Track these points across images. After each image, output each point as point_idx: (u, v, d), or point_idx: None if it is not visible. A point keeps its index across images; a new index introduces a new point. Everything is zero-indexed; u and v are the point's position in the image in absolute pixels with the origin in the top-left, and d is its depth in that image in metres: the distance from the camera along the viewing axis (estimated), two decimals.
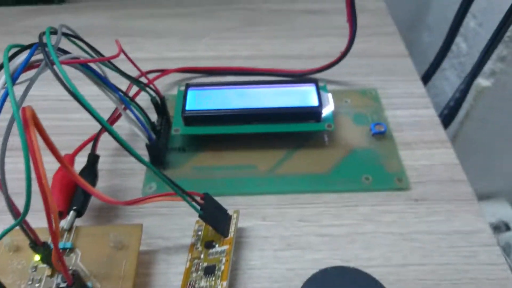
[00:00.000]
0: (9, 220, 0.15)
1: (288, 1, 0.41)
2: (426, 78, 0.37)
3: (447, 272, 0.21)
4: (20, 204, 0.15)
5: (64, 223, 0.21)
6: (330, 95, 0.27)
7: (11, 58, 0.16)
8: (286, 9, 0.40)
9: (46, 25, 0.38)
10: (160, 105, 0.27)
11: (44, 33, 0.18)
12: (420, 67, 0.53)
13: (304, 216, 0.24)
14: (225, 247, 0.20)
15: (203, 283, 0.19)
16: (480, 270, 0.21)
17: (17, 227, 0.15)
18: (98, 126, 0.26)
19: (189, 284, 0.20)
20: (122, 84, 0.24)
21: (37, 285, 0.19)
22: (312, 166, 0.26)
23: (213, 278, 0.19)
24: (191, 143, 0.27)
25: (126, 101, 0.23)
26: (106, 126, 0.17)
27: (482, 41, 0.40)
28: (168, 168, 0.26)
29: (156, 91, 0.27)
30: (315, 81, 0.27)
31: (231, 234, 0.21)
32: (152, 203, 0.20)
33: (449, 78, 0.46)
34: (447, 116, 0.31)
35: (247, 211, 0.24)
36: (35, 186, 0.14)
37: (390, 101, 0.30)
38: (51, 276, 0.19)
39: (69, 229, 0.21)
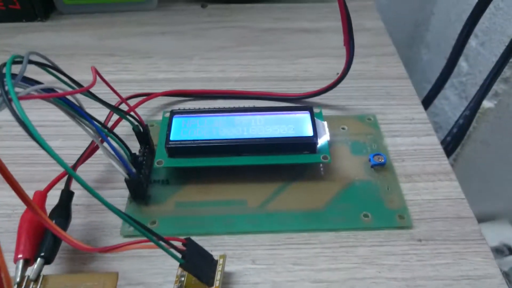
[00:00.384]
0: None
1: (282, 20, 0.39)
2: (427, 101, 0.35)
3: None
4: None
5: (30, 272, 0.19)
6: (325, 124, 0.25)
7: None
8: (280, 27, 0.38)
9: (27, 44, 0.37)
10: (142, 134, 0.25)
11: (4, 64, 0.16)
12: (419, 85, 0.52)
13: (298, 259, 0.22)
14: None
15: None
16: None
17: None
18: (77, 155, 0.24)
19: None
20: (104, 109, 0.23)
21: None
22: (307, 201, 0.24)
23: None
24: (175, 175, 0.25)
25: (103, 133, 0.21)
26: (70, 172, 0.15)
27: (483, 61, 0.39)
28: (150, 203, 0.24)
29: (139, 119, 0.25)
30: (309, 108, 0.26)
31: (217, 283, 0.19)
32: None
33: (449, 97, 0.44)
34: (450, 143, 0.29)
35: (235, 253, 0.22)
36: None
37: (389, 127, 0.29)
38: None
39: (36, 279, 0.19)
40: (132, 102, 0.28)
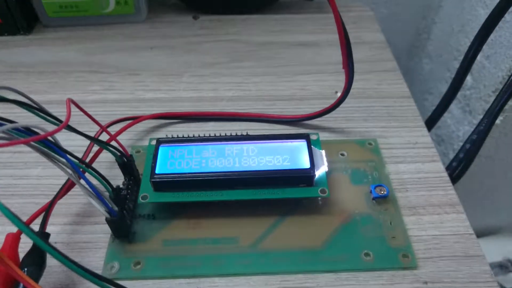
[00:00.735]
0: None
1: (277, 32, 0.38)
2: (431, 123, 0.33)
3: None
4: None
5: None
6: (323, 153, 0.24)
7: None
8: (275, 41, 0.37)
9: (9, 59, 0.35)
10: (126, 165, 0.23)
11: None
12: (420, 96, 0.50)
13: None
14: None
15: None
16: None
17: None
18: (58, 186, 0.23)
19: None
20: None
21: None
22: (303, 238, 0.22)
23: None
24: (162, 210, 0.23)
25: (80, 169, 0.19)
26: (24, 230, 0.14)
27: (488, 75, 0.37)
28: (134, 241, 0.22)
29: (122, 149, 0.23)
30: (306, 137, 0.24)
31: None
32: None
33: (452, 111, 0.42)
34: (456, 168, 0.27)
35: None
36: None
37: (391, 152, 0.27)
38: None
39: None
40: (118, 126, 0.27)
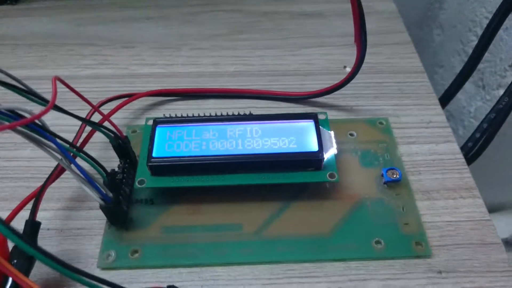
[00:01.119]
0: None
1: (280, 1, 0.35)
2: (445, 100, 0.32)
3: None
4: None
5: None
6: (332, 134, 0.22)
7: None
8: (278, 11, 0.34)
9: None
10: (121, 147, 0.22)
11: None
12: (430, 69, 0.48)
13: None
14: None
15: None
16: None
17: None
18: (50, 168, 0.21)
19: None
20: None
21: None
22: (310, 225, 0.21)
23: None
24: (161, 194, 0.22)
25: (70, 154, 0.18)
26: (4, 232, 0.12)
27: (505, 48, 0.35)
28: (131, 228, 0.21)
29: (116, 130, 0.21)
30: (313, 117, 0.22)
31: None
32: None
33: (465, 86, 0.40)
34: (472, 149, 0.25)
35: None
36: None
37: (404, 132, 0.25)
38: None
39: None
40: (113, 104, 0.25)
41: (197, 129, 0.22)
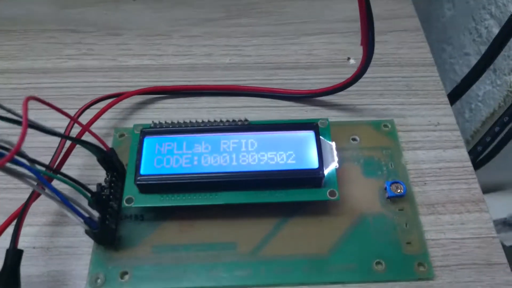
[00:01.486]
0: None
1: None
2: (454, 96, 0.29)
3: None
4: None
5: None
6: (333, 145, 0.21)
7: None
8: None
9: None
10: (106, 161, 0.20)
11: None
12: (437, 46, 0.45)
13: None
14: None
15: None
16: None
17: None
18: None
19: None
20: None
21: None
22: (308, 244, 0.20)
23: None
24: (151, 210, 0.21)
25: (44, 178, 0.16)
26: None
27: None
28: (120, 248, 0.20)
29: (99, 141, 0.20)
30: (314, 127, 0.20)
31: None
32: None
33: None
34: (481, 153, 0.24)
35: None
36: None
37: (410, 136, 0.24)
38: None
39: None
40: (100, 105, 0.23)
41: (188, 140, 0.20)
